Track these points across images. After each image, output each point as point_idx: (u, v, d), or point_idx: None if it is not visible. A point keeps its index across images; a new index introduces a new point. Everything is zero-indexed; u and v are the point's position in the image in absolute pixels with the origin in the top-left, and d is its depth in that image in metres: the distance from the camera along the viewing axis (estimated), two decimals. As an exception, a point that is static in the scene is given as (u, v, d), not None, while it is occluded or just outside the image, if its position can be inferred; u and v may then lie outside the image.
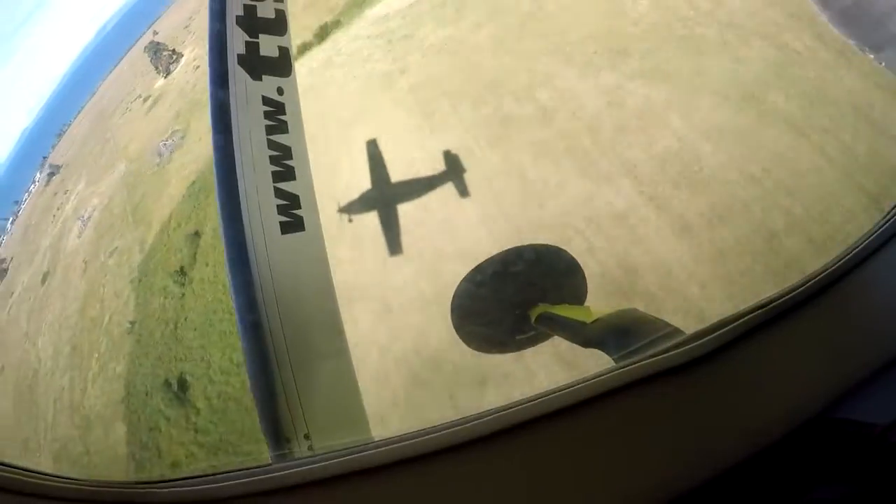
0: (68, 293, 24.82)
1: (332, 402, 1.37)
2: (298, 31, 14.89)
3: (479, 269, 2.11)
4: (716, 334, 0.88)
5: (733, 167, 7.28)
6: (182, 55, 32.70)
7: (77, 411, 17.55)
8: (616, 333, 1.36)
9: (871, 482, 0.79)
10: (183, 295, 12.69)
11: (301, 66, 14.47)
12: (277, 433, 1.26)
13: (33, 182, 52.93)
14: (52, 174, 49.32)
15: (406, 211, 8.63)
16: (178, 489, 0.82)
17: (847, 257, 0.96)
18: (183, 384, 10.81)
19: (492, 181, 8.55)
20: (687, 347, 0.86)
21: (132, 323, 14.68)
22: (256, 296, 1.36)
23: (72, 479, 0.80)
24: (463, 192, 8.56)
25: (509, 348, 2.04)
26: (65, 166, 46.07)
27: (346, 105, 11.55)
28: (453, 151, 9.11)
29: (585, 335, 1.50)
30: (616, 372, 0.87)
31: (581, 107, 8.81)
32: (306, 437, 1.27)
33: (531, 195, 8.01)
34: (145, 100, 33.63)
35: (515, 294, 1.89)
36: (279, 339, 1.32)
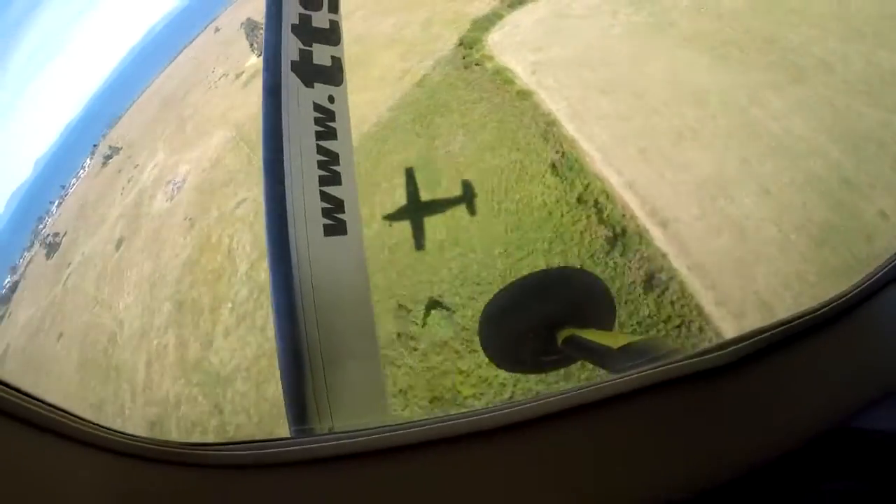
0: (162, 252, 23.19)
1: (359, 402, 1.38)
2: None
3: (510, 288, 2.14)
4: (739, 346, 0.89)
5: None
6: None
7: (195, 369, 15.40)
8: (641, 359, 1.37)
9: (876, 479, 0.84)
10: (391, 225, 11.36)
11: (524, 16, 15.04)
12: (303, 418, 1.29)
13: (82, 168, 52.94)
14: (108, 157, 49.02)
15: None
16: (225, 452, 0.83)
17: (870, 281, 0.98)
18: (433, 306, 9.10)
19: (799, 111, 9.48)
20: (710, 356, 0.88)
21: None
22: (295, 292, 1.38)
23: (127, 434, 0.78)
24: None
25: (533, 369, 2.07)
26: (126, 147, 45.66)
27: (620, 46, 12.44)
28: (758, 87, 10.20)
29: (612, 360, 1.49)
30: (636, 375, 0.88)
31: (851, 62, 10.19)
32: (330, 430, 1.31)
33: (843, 118, 9.05)
34: (237, 76, 33.93)
35: (544, 315, 1.86)
36: (314, 336, 1.35)
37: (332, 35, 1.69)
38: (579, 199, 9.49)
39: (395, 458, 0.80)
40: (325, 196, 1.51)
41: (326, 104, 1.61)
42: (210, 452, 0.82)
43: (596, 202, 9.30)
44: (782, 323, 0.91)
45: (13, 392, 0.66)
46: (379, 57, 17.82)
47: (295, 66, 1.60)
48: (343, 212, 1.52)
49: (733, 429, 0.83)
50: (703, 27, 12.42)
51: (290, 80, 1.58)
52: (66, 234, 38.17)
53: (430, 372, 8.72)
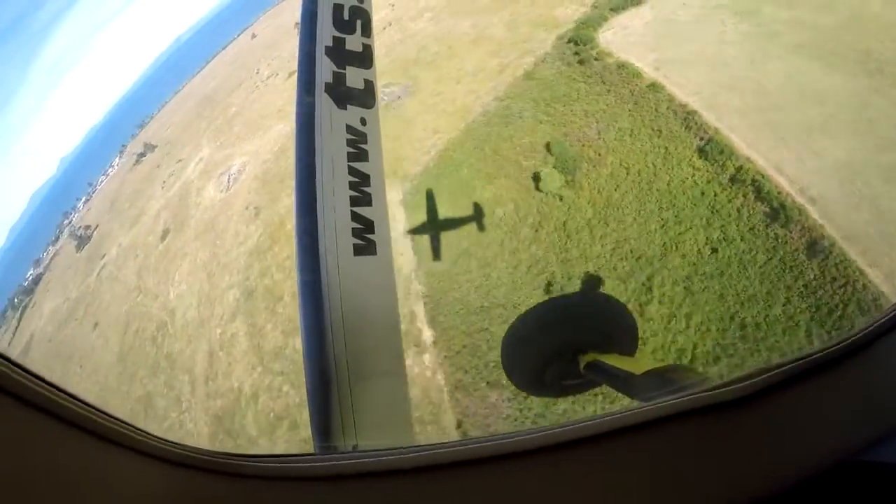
0: (221, 241, 22.70)
1: (384, 419, 1.39)
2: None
3: (533, 313, 2.21)
4: (756, 379, 0.91)
5: None
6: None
7: (277, 357, 14.74)
8: (662, 386, 1.42)
9: None
10: (562, 198, 11.41)
11: (630, 19, 15.46)
12: (328, 436, 1.31)
13: (111, 166, 53.10)
14: (142, 154, 49.05)
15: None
16: (257, 464, 0.85)
17: (878, 323, 1.00)
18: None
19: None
20: (727, 389, 0.89)
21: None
22: (324, 310, 1.39)
23: (172, 442, 0.80)
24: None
25: (555, 393, 2.04)
26: (163, 144, 45.73)
27: (735, 50, 13.36)
28: (865, 91, 11.25)
29: (634, 386, 1.51)
30: (653, 406, 0.89)
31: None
32: (354, 448, 1.32)
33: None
34: (290, 74, 34.44)
35: (568, 340, 1.88)
36: (341, 354, 1.36)
37: (365, 58, 1.70)
38: (733, 180, 9.95)
39: (416, 479, 0.81)
40: (355, 216, 1.52)
41: (359, 126, 1.62)
42: (246, 463, 0.83)
43: (753, 181, 9.82)
44: (797, 359, 0.95)
45: (81, 404, 0.65)
46: (466, 54, 18.05)
47: (328, 88, 1.60)
48: (373, 232, 1.53)
49: (748, 459, 0.85)
50: (806, 38, 13.43)
51: (323, 102, 1.59)
52: (97, 227, 37.59)
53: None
